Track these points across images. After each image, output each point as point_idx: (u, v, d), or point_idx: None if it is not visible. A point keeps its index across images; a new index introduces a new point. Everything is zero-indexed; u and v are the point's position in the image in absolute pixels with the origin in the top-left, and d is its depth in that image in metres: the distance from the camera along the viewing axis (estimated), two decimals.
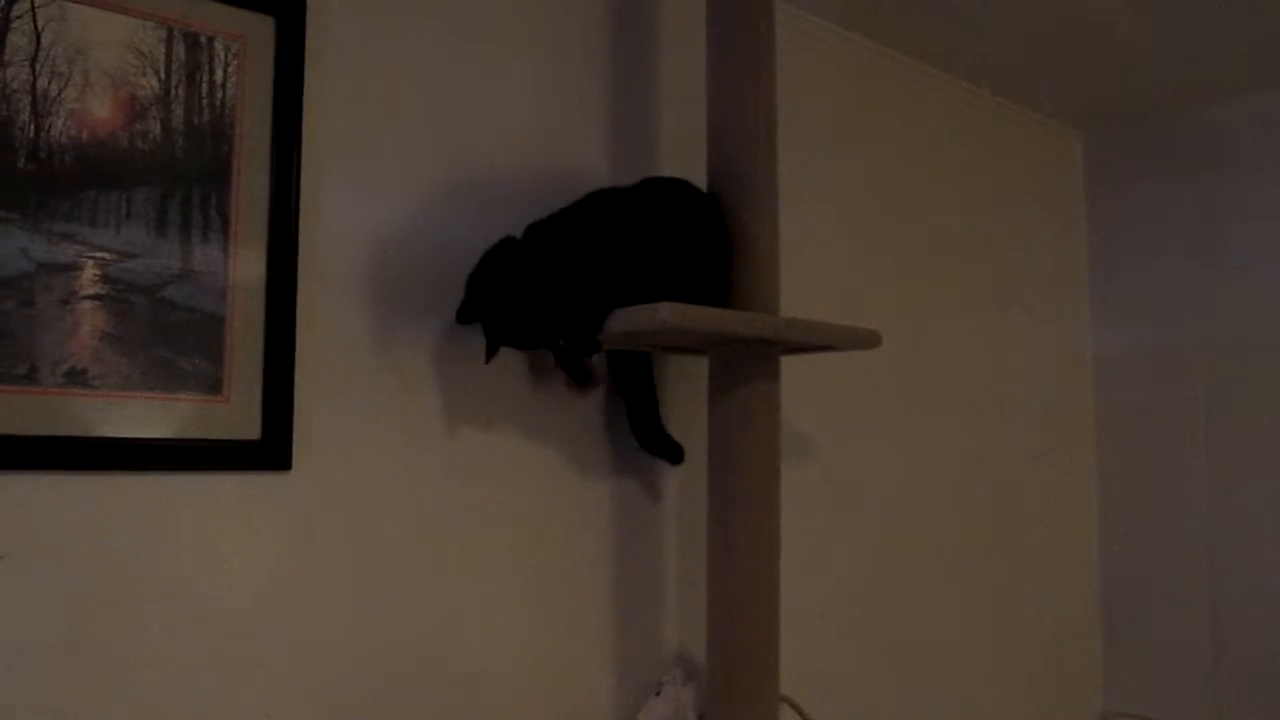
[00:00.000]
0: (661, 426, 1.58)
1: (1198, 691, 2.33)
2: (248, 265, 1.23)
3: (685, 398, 1.65)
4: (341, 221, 1.33)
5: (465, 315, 1.33)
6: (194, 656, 1.18)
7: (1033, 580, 2.36)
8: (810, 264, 1.86)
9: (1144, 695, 2.43)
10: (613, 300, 1.32)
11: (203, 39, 1.22)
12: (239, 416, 1.22)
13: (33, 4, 1.11)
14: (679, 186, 1.44)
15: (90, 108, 1.14)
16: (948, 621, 2.14)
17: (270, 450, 1.24)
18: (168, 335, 1.17)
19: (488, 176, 1.42)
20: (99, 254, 1.13)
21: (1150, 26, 1.99)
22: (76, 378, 1.11)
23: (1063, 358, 2.51)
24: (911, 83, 2.17)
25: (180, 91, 1.20)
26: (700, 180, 1.47)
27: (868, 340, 1.51)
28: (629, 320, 1.29)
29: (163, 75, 1.19)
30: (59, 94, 1.12)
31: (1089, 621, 2.50)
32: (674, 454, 1.59)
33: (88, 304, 1.12)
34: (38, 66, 1.11)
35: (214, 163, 1.22)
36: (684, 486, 1.67)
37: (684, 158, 1.46)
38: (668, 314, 1.24)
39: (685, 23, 1.68)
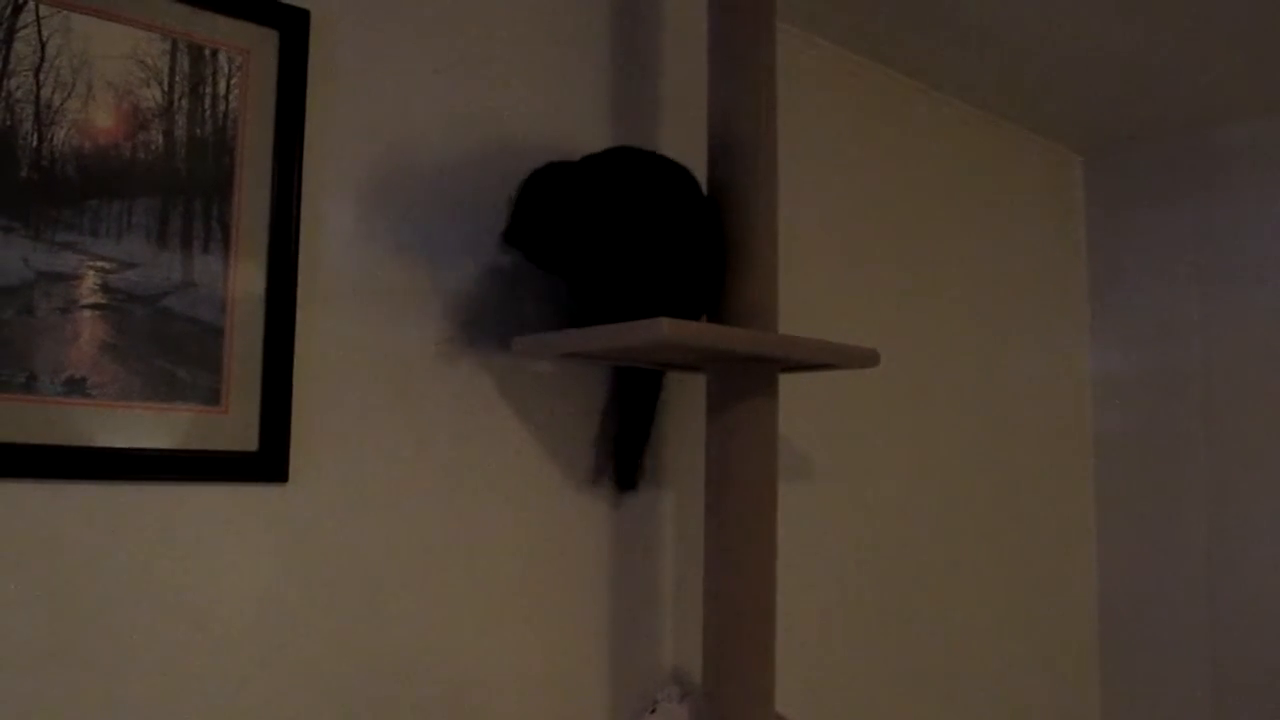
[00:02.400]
0: (641, 449, 1.57)
1: (1196, 711, 2.32)
2: (248, 277, 1.23)
3: (682, 414, 1.65)
4: (342, 235, 1.33)
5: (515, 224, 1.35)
6: (189, 668, 1.17)
7: (1030, 600, 2.35)
8: (810, 282, 1.87)
9: (1142, 715, 2.42)
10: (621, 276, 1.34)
11: (207, 52, 1.23)
12: (237, 428, 1.22)
13: (38, 14, 1.11)
14: (681, 179, 1.43)
15: (93, 118, 1.14)
16: (945, 640, 2.13)
17: (267, 462, 1.23)
18: (167, 345, 1.17)
19: (490, 190, 1.42)
20: (100, 263, 1.14)
21: (1151, 51, 2.00)
22: (75, 386, 1.11)
23: (1062, 379, 2.51)
24: (913, 104, 2.18)
25: (183, 103, 1.21)
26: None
27: (867, 359, 1.51)
28: (627, 335, 1.29)
29: (166, 87, 1.20)
30: (62, 104, 1.12)
31: (1087, 641, 2.49)
32: (627, 479, 1.57)
33: (87, 313, 1.13)
34: (42, 76, 1.11)
35: (216, 174, 1.22)
36: (682, 502, 1.66)
37: (685, 161, 1.47)
38: (668, 329, 1.24)
39: (688, 24, 1.69)
